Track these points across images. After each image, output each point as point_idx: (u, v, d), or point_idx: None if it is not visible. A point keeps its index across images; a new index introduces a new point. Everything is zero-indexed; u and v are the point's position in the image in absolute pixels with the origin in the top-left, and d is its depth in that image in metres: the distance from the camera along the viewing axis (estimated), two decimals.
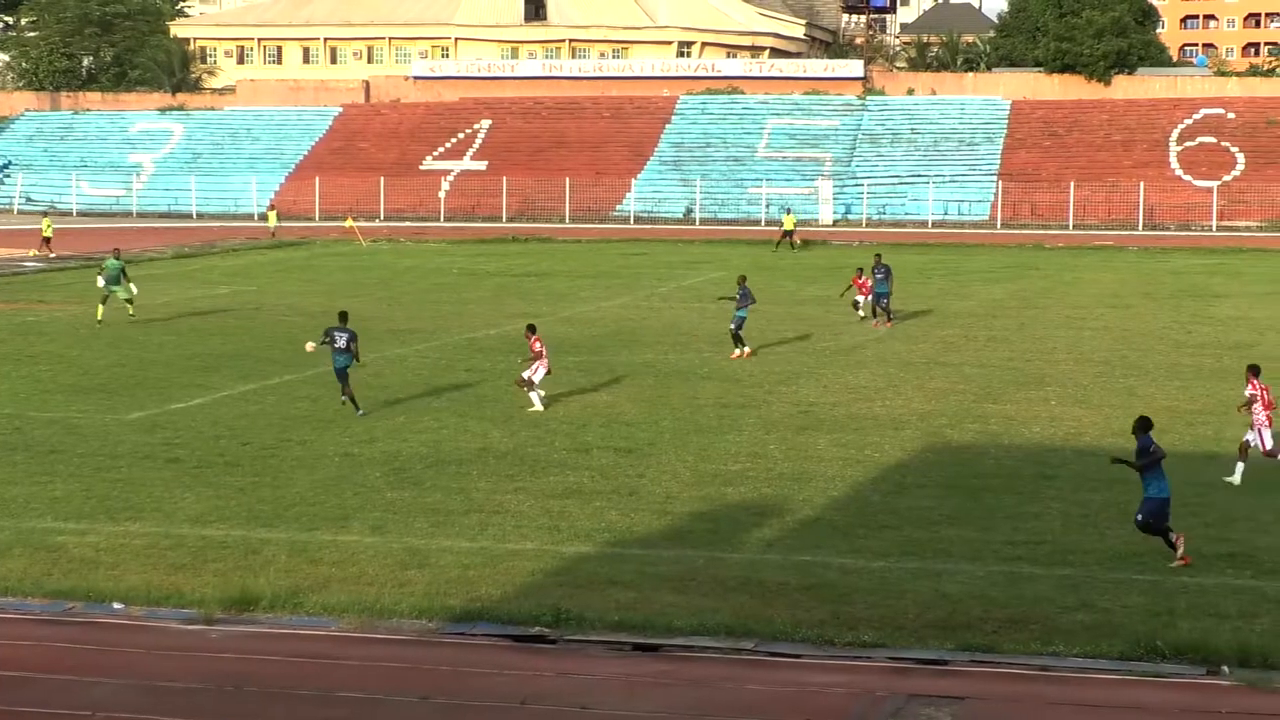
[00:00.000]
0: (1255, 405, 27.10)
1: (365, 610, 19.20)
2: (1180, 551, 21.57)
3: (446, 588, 20.27)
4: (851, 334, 46.77)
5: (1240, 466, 26.76)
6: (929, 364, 40.56)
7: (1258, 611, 19.40)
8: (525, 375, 33.47)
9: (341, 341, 32.67)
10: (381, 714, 16.11)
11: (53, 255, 73.46)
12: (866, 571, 21.16)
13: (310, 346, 34.22)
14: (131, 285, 49.11)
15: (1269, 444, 26.95)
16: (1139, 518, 21.79)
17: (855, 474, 27.46)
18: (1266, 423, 26.97)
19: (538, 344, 33.33)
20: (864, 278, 49.51)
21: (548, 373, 33.69)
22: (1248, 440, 27.10)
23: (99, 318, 48.03)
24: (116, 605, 19.54)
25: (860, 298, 49.72)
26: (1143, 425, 22.12)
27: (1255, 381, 27.27)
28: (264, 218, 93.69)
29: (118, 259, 49.88)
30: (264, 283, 62.42)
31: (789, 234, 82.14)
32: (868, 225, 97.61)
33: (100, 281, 49.08)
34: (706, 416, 32.88)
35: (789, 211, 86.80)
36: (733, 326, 41.89)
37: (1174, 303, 55.44)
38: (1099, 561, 21.71)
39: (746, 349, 41.53)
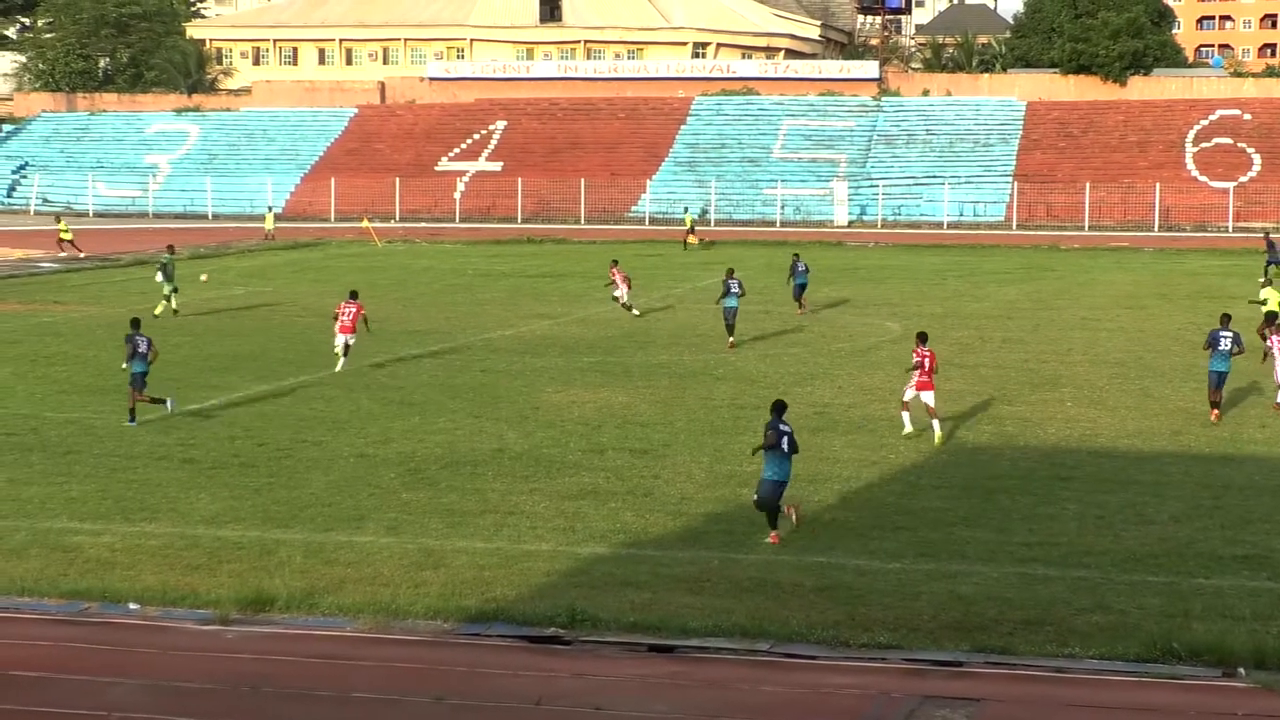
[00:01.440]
0: (916, 370, 30.75)
1: (380, 611, 19.22)
2: (776, 532, 22.76)
3: (462, 588, 20.28)
4: (866, 335, 46.74)
5: (906, 415, 30.80)
6: (944, 365, 40.22)
7: (1274, 613, 19.36)
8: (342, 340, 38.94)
9: (144, 346, 32.40)
10: (396, 714, 16.13)
11: (83, 254, 73.79)
12: (881, 573, 21.15)
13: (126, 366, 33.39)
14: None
15: (907, 396, 30.82)
16: (754, 497, 23.02)
17: (870, 475, 27.45)
18: (914, 386, 30.64)
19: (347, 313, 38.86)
20: (619, 269, 50.97)
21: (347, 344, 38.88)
22: (906, 397, 31.05)
23: (159, 311, 49.70)
24: (132, 605, 19.57)
25: (619, 290, 50.36)
26: (774, 409, 23.41)
27: (920, 349, 30.95)
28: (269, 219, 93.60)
29: (171, 254, 54.00)
30: (279, 284, 62.49)
31: (690, 232, 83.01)
32: (883, 226, 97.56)
33: (159, 277, 51.57)
34: (721, 417, 32.88)
35: (687, 210, 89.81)
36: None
37: (1190, 304, 55.31)
38: (1114, 563, 21.69)
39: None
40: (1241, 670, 17.28)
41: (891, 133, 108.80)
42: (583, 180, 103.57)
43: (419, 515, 24.32)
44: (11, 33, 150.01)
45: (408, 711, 16.17)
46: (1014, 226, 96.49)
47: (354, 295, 40.04)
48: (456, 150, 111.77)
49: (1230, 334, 33.29)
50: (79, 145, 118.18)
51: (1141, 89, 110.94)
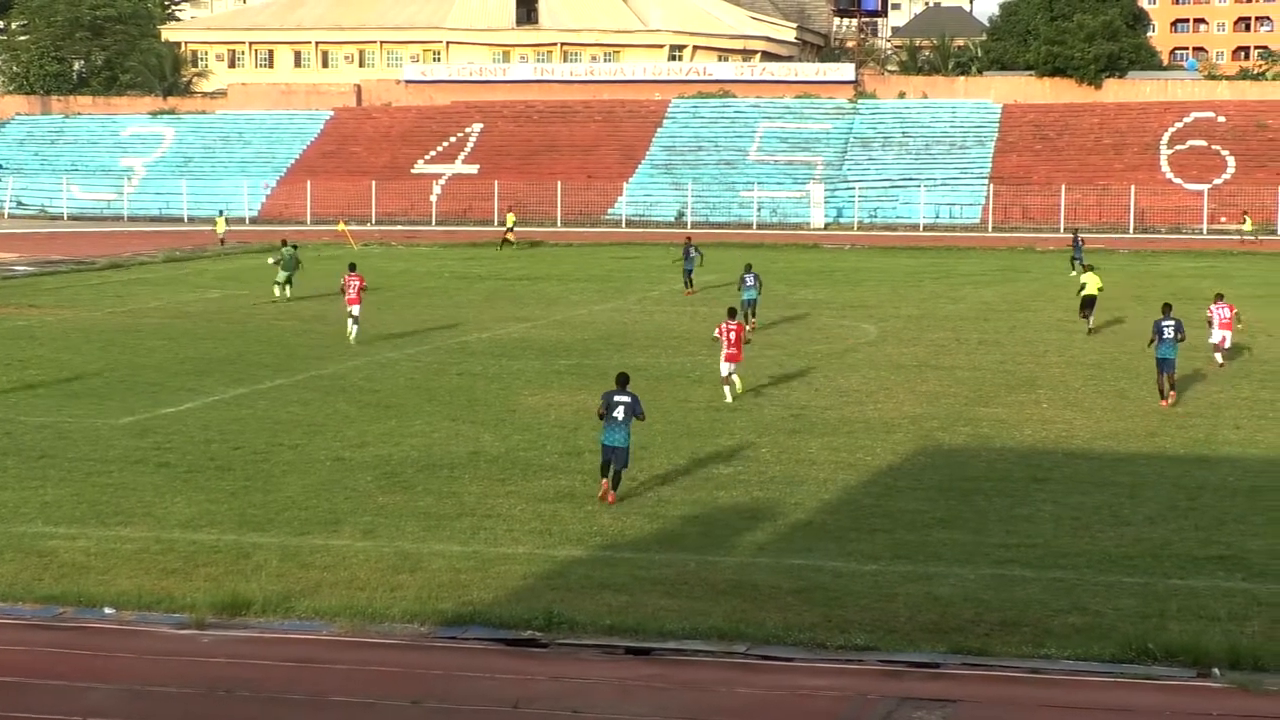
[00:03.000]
0: (722, 342, 34.69)
1: (357, 614, 19.18)
2: (609, 491, 25.01)
3: (438, 591, 20.25)
4: (843, 338, 46.80)
5: (728, 389, 34.93)
6: (920, 367, 40.59)
7: (1248, 614, 19.42)
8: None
9: None
10: (373, 718, 16.10)
11: None
12: (858, 574, 21.16)
13: None
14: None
15: (724, 372, 34.90)
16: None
17: (847, 477, 27.47)
18: (725, 358, 34.71)
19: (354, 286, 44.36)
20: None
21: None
22: (723, 374, 35.07)
23: (276, 297, 55.62)
24: (107, 610, 19.50)
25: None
26: (616, 379, 25.75)
27: (725, 325, 34.80)
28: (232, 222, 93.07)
29: (292, 247, 57.92)
30: (256, 286, 62.27)
31: (509, 231, 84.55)
32: (859, 229, 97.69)
33: (270, 259, 58.40)
34: (698, 419, 32.88)
35: (510, 209, 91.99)
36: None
37: None
38: (1090, 564, 21.73)
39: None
40: (1216, 670, 17.31)
41: (867, 135, 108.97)
42: (559, 183, 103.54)
43: (395, 518, 24.28)
44: None
45: (384, 715, 16.13)
46: (990, 229, 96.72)
47: (353, 267, 45.87)
48: (433, 153, 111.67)
49: (1172, 322, 35.03)
50: (53, 148, 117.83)
51: (1116, 91, 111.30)
